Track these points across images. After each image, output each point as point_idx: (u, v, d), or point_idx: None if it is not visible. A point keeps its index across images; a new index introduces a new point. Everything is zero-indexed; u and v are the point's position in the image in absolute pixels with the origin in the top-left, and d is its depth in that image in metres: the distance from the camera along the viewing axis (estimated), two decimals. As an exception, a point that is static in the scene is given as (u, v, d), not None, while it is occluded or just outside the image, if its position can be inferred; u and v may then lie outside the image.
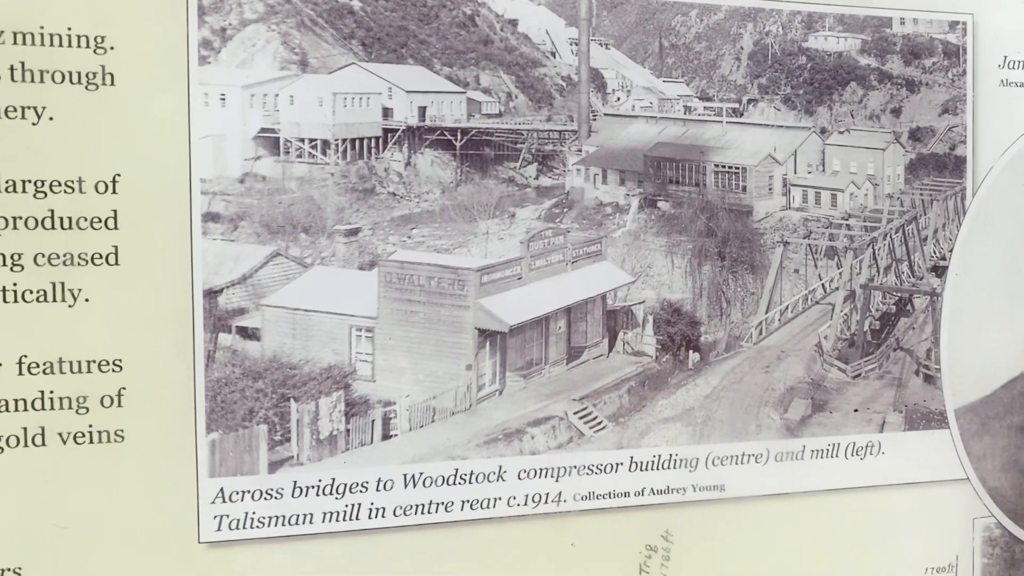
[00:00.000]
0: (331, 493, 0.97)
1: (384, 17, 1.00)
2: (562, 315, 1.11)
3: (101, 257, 0.89)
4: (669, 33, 1.12)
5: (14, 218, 0.87)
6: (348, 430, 0.99)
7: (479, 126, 1.07)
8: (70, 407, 0.89)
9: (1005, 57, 1.21)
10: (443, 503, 1.00)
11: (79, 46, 0.88)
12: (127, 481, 0.90)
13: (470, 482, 1.01)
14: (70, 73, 0.88)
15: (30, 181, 0.87)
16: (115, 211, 0.90)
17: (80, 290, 0.89)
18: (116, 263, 0.90)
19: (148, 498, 0.91)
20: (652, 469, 1.08)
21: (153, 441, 0.91)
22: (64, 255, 0.88)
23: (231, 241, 0.94)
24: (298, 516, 0.96)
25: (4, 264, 0.87)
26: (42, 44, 0.87)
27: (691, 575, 1.09)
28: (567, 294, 1.10)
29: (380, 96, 1.04)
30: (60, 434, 0.88)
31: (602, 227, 1.11)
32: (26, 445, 0.88)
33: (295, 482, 0.96)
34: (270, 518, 0.95)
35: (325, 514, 0.97)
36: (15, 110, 0.86)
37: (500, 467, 1.02)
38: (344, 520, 0.97)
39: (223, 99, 0.95)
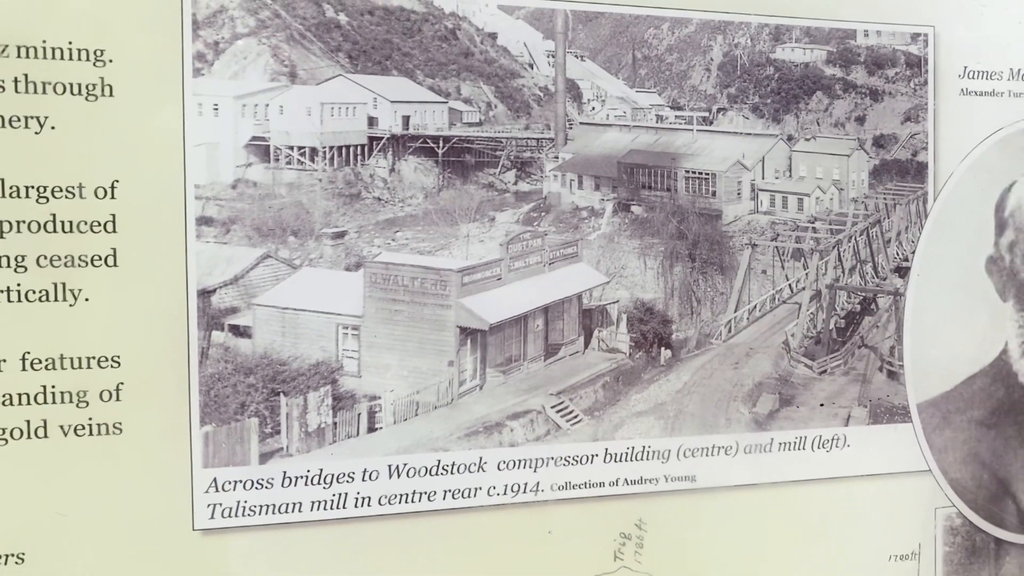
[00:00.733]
0: (319, 483, 0.99)
1: (369, 31, 1.01)
2: (540, 314, 1.12)
3: (100, 259, 0.91)
4: (642, 45, 1.13)
5: (18, 222, 0.89)
6: (335, 423, 1.00)
7: (460, 134, 1.08)
8: (71, 401, 0.91)
9: (965, 67, 1.23)
10: (426, 493, 1.02)
11: (79, 59, 0.90)
12: (125, 471, 0.92)
13: (452, 473, 1.03)
14: (71, 84, 0.90)
15: (33, 187, 0.89)
16: (113, 215, 0.91)
17: (80, 290, 0.91)
18: (115, 264, 0.91)
19: (145, 487, 0.93)
20: (626, 460, 1.09)
21: (150, 433, 0.93)
22: (65, 257, 0.90)
23: (224, 244, 0.96)
24: (287, 505, 0.97)
25: (8, 265, 0.88)
26: (44, 57, 0.89)
27: (664, 562, 1.11)
28: (544, 294, 1.11)
29: (366, 106, 1.04)
30: (61, 427, 0.90)
31: (578, 230, 1.11)
32: (29, 437, 0.90)
33: (285, 472, 0.97)
34: (261, 507, 0.96)
35: (313, 503, 0.98)
36: (19, 120, 0.88)
37: (480, 458, 1.04)
38: (331, 509, 0.99)
39: (216, 109, 0.96)
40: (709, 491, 1.13)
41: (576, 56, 1.10)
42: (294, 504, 0.98)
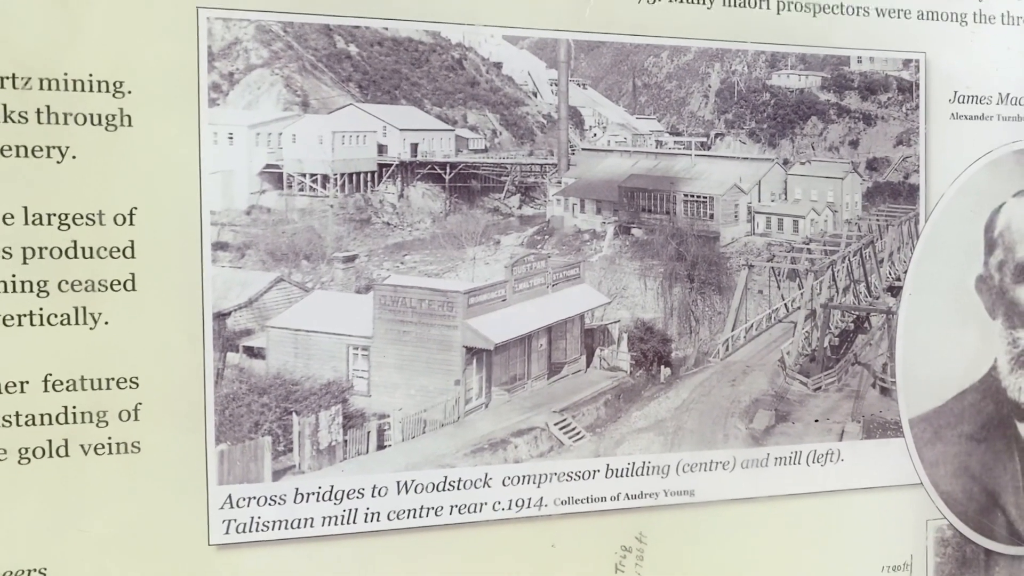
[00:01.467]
0: (330, 499, 1.01)
1: (379, 61, 1.03)
2: (543, 333, 1.14)
3: (119, 283, 0.93)
4: (642, 73, 1.16)
5: (40, 248, 0.91)
6: (346, 441, 1.02)
7: (467, 160, 1.10)
8: (91, 421, 0.93)
9: (955, 92, 1.26)
10: (433, 508, 1.04)
11: (100, 91, 0.92)
12: (143, 488, 0.94)
13: (458, 488, 1.05)
14: (91, 115, 0.92)
15: (55, 214, 0.91)
16: (132, 241, 0.93)
17: (100, 314, 0.93)
18: (133, 289, 0.94)
19: (162, 504, 0.95)
20: (627, 475, 1.12)
21: (167, 452, 0.95)
22: (85, 282, 0.92)
23: (238, 268, 0.98)
24: (300, 520, 1.00)
25: (31, 290, 0.91)
26: (66, 89, 0.91)
27: (664, 574, 1.13)
28: (548, 314, 1.13)
29: (375, 134, 1.06)
30: (82, 446, 0.93)
31: (580, 252, 1.14)
32: (51, 456, 0.92)
33: (297, 489, 1.00)
34: (274, 522, 0.99)
35: (324, 518, 1.01)
36: (41, 150, 0.91)
37: (486, 474, 1.06)
38: (342, 524, 1.01)
39: (231, 138, 0.98)
40: (707, 505, 1.15)
41: (578, 84, 1.13)
42: (306, 520, 1.00)
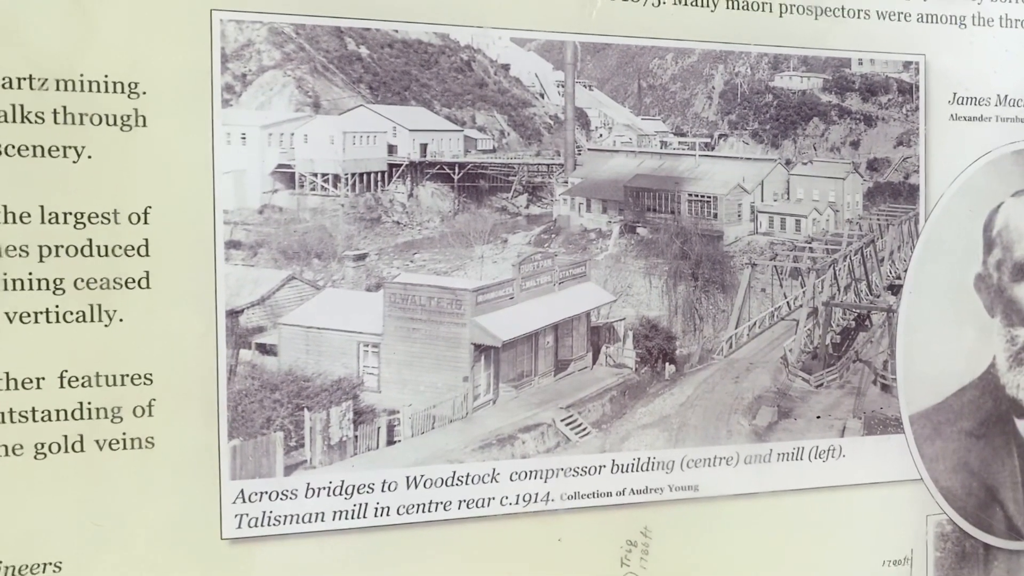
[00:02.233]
0: (340, 494, 1.02)
1: (389, 63, 1.04)
2: (550, 331, 1.15)
3: (134, 281, 0.95)
4: (647, 75, 1.17)
5: (56, 247, 0.92)
6: (356, 436, 1.03)
7: (475, 160, 1.11)
8: (106, 417, 0.94)
9: (954, 94, 1.28)
10: (442, 503, 1.06)
11: (115, 92, 0.93)
12: (157, 483, 0.96)
13: (466, 483, 1.07)
14: (106, 116, 0.93)
15: (71, 213, 0.92)
16: (147, 240, 0.95)
17: (115, 311, 0.94)
18: (148, 287, 0.95)
19: (176, 498, 0.96)
20: (632, 471, 1.13)
21: (180, 447, 0.96)
22: (101, 280, 0.93)
23: (251, 266, 0.99)
24: (311, 515, 1.01)
25: (47, 288, 0.92)
26: (82, 90, 0.93)
27: (668, 568, 1.15)
28: (555, 312, 1.14)
29: (385, 134, 1.07)
30: (97, 441, 0.94)
31: (586, 251, 1.15)
32: (66, 451, 0.93)
33: (308, 484, 1.01)
34: (286, 516, 1.00)
35: (335, 513, 1.02)
36: (58, 149, 0.92)
37: (494, 470, 1.08)
38: (352, 518, 1.03)
39: (244, 138, 0.99)
40: (711, 500, 1.17)
41: (584, 86, 1.14)
42: (317, 514, 1.02)
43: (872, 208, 1.27)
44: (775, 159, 1.24)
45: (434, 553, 1.06)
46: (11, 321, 0.91)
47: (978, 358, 1.29)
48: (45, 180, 0.92)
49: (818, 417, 1.22)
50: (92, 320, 0.94)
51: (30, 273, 0.92)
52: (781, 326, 1.25)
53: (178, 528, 0.97)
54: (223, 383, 0.98)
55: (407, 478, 1.05)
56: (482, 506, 1.08)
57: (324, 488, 1.02)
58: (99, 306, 0.94)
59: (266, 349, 1.03)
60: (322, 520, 1.02)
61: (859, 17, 1.23)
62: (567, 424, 1.12)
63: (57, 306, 0.93)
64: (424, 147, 1.10)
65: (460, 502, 1.07)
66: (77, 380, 0.93)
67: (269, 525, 1.00)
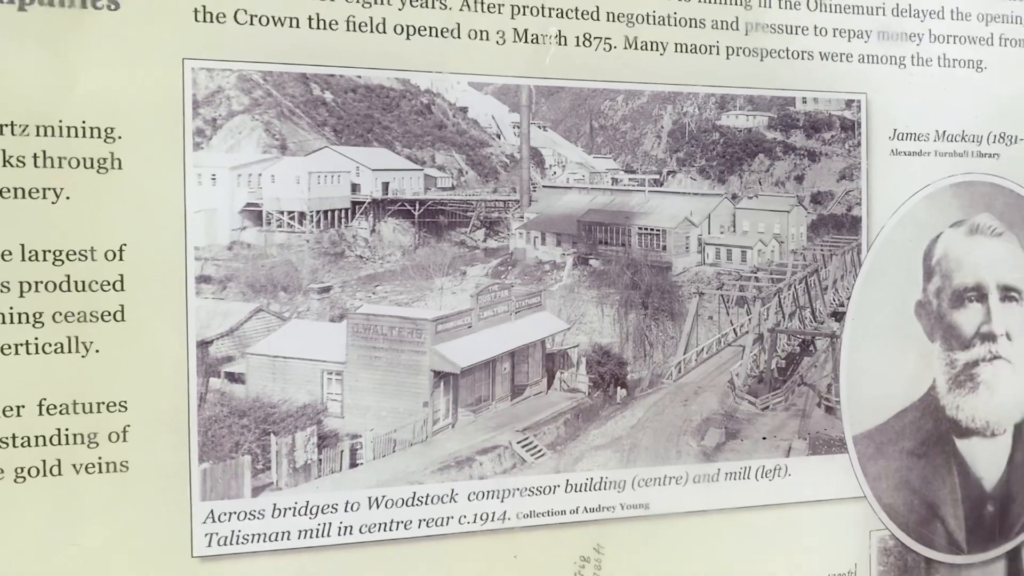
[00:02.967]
0: (305, 514, 1.07)
1: (353, 107, 1.10)
2: (507, 358, 1.20)
3: (110, 314, 0.99)
4: (599, 116, 1.22)
5: (36, 282, 0.97)
6: (320, 459, 1.08)
7: (434, 198, 1.16)
8: (82, 442, 0.98)
9: (895, 130, 1.33)
10: (402, 522, 1.10)
11: (92, 136, 0.98)
12: (131, 505, 1.00)
13: (426, 503, 1.11)
14: (84, 159, 0.98)
15: (49, 251, 0.97)
16: (122, 275, 0.99)
17: (92, 342, 0.98)
18: (123, 319, 0.99)
19: (149, 519, 1.00)
20: (585, 490, 1.18)
21: (154, 470, 1.00)
22: (78, 313, 0.98)
23: (220, 299, 1.03)
24: (277, 533, 1.06)
25: (27, 321, 0.97)
26: (61, 135, 0.97)
27: None
28: (511, 340, 1.18)
29: (349, 174, 1.12)
30: (74, 465, 0.98)
31: (541, 282, 1.19)
32: (44, 475, 0.97)
33: (275, 504, 1.05)
34: (253, 535, 1.05)
35: (300, 531, 1.06)
36: (38, 191, 0.97)
37: (452, 490, 1.12)
38: (317, 537, 1.07)
39: (214, 179, 1.04)
40: (662, 517, 1.21)
41: (539, 127, 1.20)
42: (283, 533, 1.06)
43: (816, 239, 1.31)
44: (722, 194, 1.29)
45: (395, 571, 1.10)
46: (-7, 353, 0.96)
47: (919, 381, 1.34)
48: (26, 220, 0.97)
49: (764, 438, 1.27)
50: (70, 351, 0.98)
51: (11, 308, 0.97)
52: (728, 351, 1.30)
53: (151, 546, 1.01)
54: (194, 410, 1.02)
55: (369, 498, 1.09)
56: (441, 525, 1.12)
57: (290, 508, 1.07)
58: (76, 338, 0.98)
59: (235, 377, 1.07)
60: (288, 539, 1.06)
61: (803, 58, 1.28)
62: (523, 446, 1.16)
63: (37, 338, 0.97)
64: (386, 185, 1.15)
65: (420, 521, 1.11)
66: (55, 408, 0.98)
67: (237, 543, 1.04)
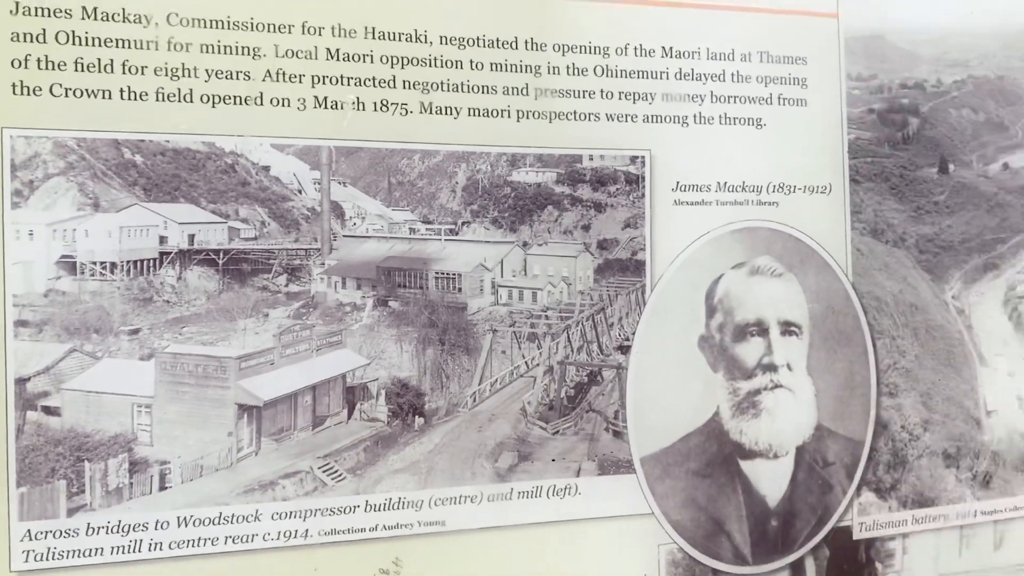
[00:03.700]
0: (117, 532, 1.18)
1: (161, 168, 1.22)
2: (308, 391, 1.30)
3: None
4: (396, 173, 1.35)
5: None
6: (131, 483, 1.18)
7: (238, 247, 1.27)
8: None
9: (678, 182, 1.46)
10: (209, 539, 1.21)
11: None
12: None
13: (232, 522, 1.22)
14: None
15: None
16: None
17: None
18: None
19: None
20: (384, 510, 1.29)
21: None
22: None
23: (37, 341, 1.14)
24: (91, 550, 1.16)
25: None
26: None
27: None
28: (312, 375, 1.29)
29: (157, 228, 1.24)
30: None
31: (342, 322, 1.30)
32: None
33: (88, 523, 1.16)
34: (68, 551, 1.15)
35: (113, 548, 1.17)
36: None
37: (257, 511, 1.22)
38: (128, 553, 1.18)
39: (31, 234, 1.15)
40: (457, 533, 1.32)
41: (339, 182, 1.31)
42: (96, 549, 1.17)
43: (602, 280, 1.44)
44: (513, 242, 1.41)
45: (201, 582, 1.21)
46: None
47: (703, 408, 1.47)
48: None
49: (554, 460, 1.39)
50: None
51: None
52: (520, 382, 1.41)
53: (-29, 564, 1.12)
54: (12, 439, 1.14)
55: (178, 518, 1.20)
56: (246, 542, 1.23)
57: (103, 527, 1.18)
58: (-98, 376, 1.10)
59: (50, 410, 1.17)
60: (101, 554, 1.17)
61: (589, 120, 1.43)
62: (324, 471, 1.27)
63: None
64: (192, 237, 1.27)
65: (226, 538, 1.22)
66: None
67: (53, 559, 1.15)
